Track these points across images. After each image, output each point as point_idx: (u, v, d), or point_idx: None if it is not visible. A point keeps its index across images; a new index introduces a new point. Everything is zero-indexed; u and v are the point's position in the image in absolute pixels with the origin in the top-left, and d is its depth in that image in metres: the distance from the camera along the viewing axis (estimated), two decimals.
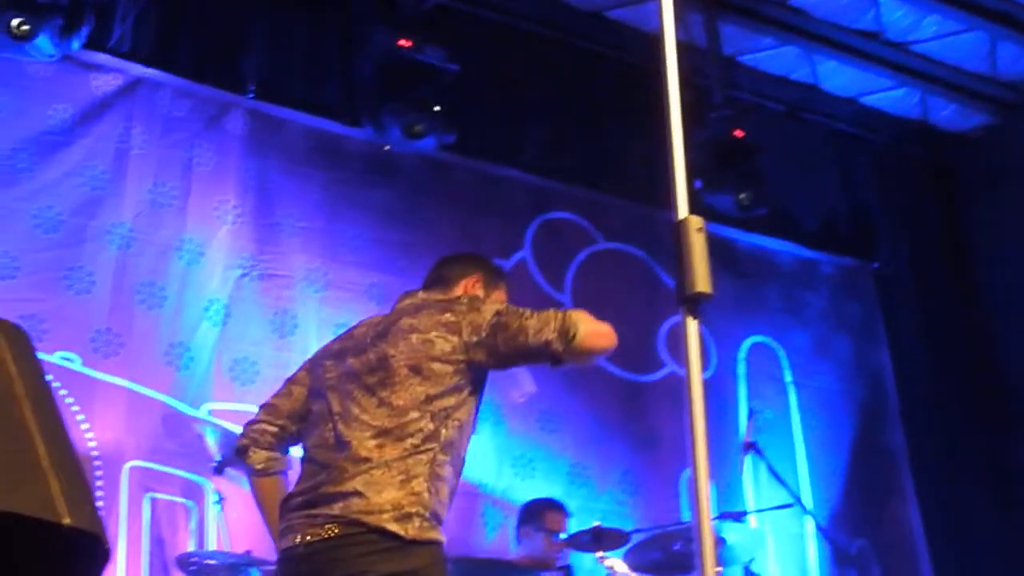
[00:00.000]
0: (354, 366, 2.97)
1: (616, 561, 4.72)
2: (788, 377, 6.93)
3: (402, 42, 5.49)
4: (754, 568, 5.11)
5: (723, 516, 5.03)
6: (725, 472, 5.79)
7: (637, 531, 5.11)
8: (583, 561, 5.29)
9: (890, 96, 7.53)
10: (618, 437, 6.17)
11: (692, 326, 1.87)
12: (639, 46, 6.34)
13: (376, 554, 2.69)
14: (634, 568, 4.77)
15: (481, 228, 6.22)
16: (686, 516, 5.86)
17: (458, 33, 5.95)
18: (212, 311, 5.33)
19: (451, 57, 5.61)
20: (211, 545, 4.88)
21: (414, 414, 2.82)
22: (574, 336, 2.92)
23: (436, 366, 2.86)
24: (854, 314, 7.37)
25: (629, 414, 6.27)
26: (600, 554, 4.72)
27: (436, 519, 2.80)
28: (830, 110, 7.56)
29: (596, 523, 4.81)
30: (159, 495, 4.97)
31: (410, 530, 2.71)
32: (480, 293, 3.19)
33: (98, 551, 1.25)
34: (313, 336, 5.48)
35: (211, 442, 4.52)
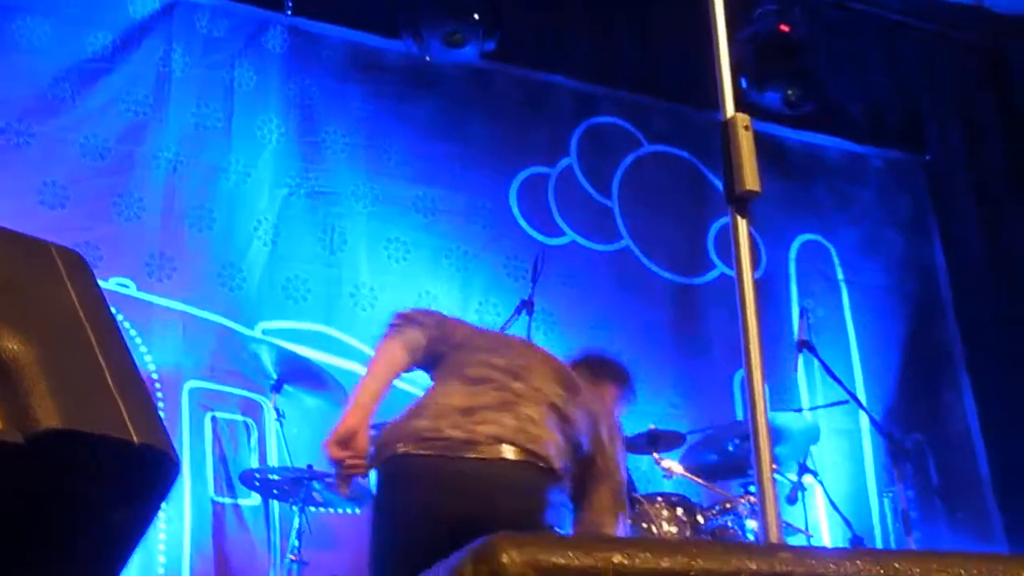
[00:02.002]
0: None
1: (672, 463, 4.76)
2: (839, 274, 6.88)
3: None
4: (810, 464, 5.13)
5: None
6: (778, 372, 5.79)
7: (692, 432, 5.15)
8: (639, 464, 5.35)
9: None
10: (670, 340, 6.18)
11: (742, 225, 1.86)
12: None
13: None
14: (690, 469, 4.81)
15: (526, 136, 6.18)
16: (740, 417, 5.89)
17: None
18: (261, 231, 5.37)
19: None
20: (272, 461, 4.98)
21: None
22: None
23: None
24: (905, 209, 7.26)
25: (680, 316, 6.26)
26: (656, 456, 4.77)
27: None
28: None
29: (651, 426, 4.85)
30: (219, 414, 5.07)
31: None
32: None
33: (168, 465, 1.28)
34: (363, 251, 5.52)
35: (267, 360, 4.59)
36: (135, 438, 1.18)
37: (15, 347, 1.16)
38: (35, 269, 1.28)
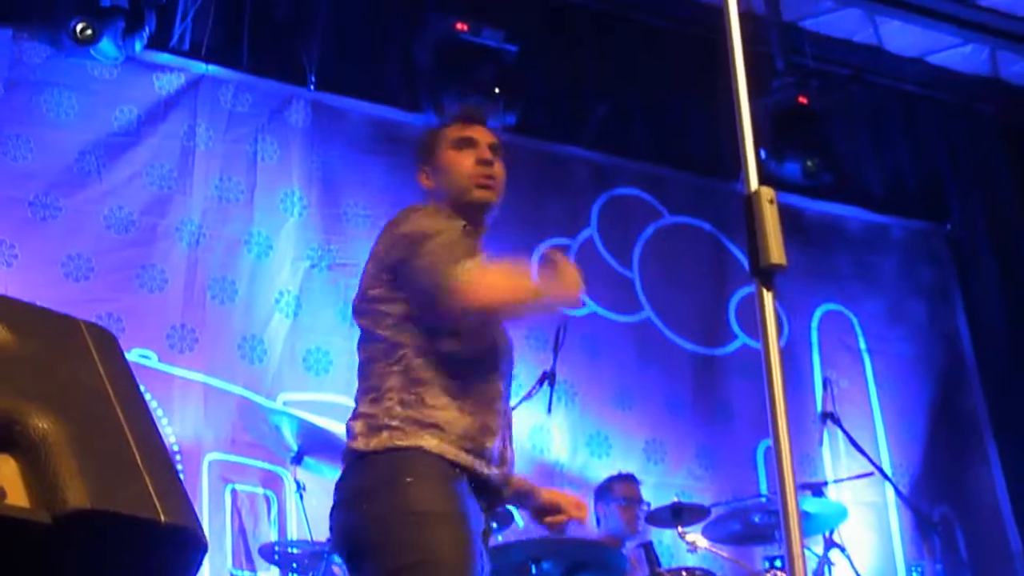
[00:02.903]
0: None
1: (697, 536, 4.70)
2: (862, 344, 6.84)
3: (460, 25, 5.50)
4: (836, 539, 5.06)
5: (803, 487, 4.99)
6: (803, 443, 5.72)
7: (716, 504, 5.09)
8: (664, 537, 5.28)
9: (958, 53, 7.37)
10: (692, 411, 6.14)
11: (768, 298, 1.84)
12: (698, 18, 6.30)
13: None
14: (715, 542, 4.75)
15: (546, 208, 6.20)
16: (764, 488, 5.82)
17: (515, 13, 5.92)
18: (283, 303, 5.39)
19: (509, 38, 5.59)
20: (293, 534, 4.94)
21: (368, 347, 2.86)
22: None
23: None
24: (927, 278, 7.24)
25: (702, 387, 6.23)
26: (680, 530, 4.71)
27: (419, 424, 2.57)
28: (896, 71, 7.42)
29: (675, 499, 4.80)
30: (239, 486, 5.05)
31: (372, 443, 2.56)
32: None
33: (195, 544, 1.27)
34: None
35: (288, 432, 4.57)
36: (163, 517, 1.17)
37: (45, 426, 1.16)
38: (64, 346, 1.29)
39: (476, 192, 2.89)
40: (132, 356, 4.92)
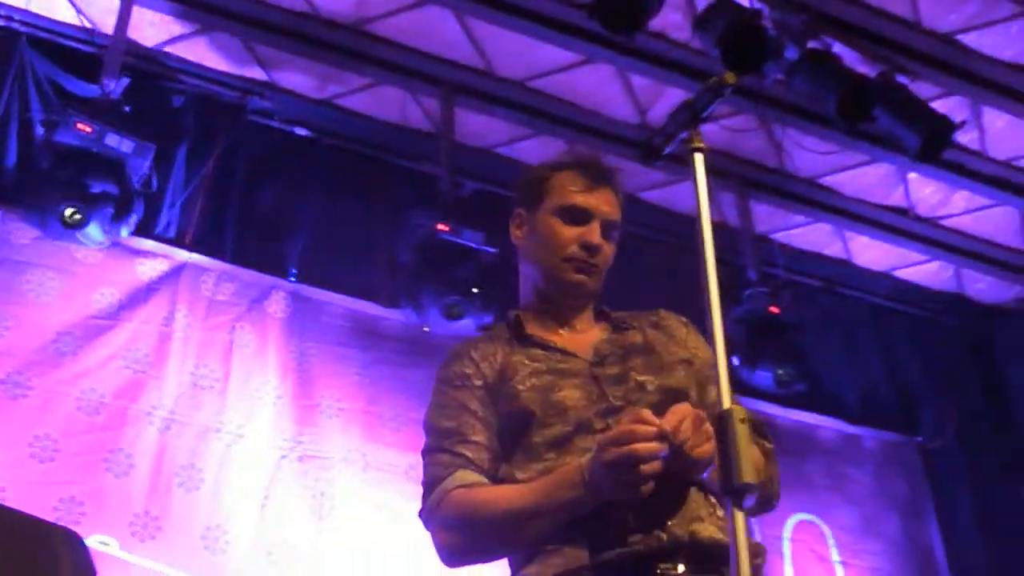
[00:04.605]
0: None
1: None
2: (835, 556, 6.76)
3: (441, 226, 5.63)
4: None
5: None
6: None
7: None
8: None
9: (924, 270, 7.59)
10: None
11: (739, 518, 1.84)
12: (668, 227, 6.51)
13: None
14: None
15: None
16: None
17: (496, 216, 6.07)
18: (251, 493, 5.30)
19: (488, 240, 5.73)
20: None
21: None
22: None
23: None
24: (901, 490, 7.23)
25: None
26: None
27: None
28: (865, 284, 7.63)
29: None
30: None
31: None
32: None
33: None
34: (353, 518, 5.43)
35: None
36: None
37: None
38: (35, 551, 1.27)
39: (569, 275, 2.50)
40: (91, 542, 4.80)
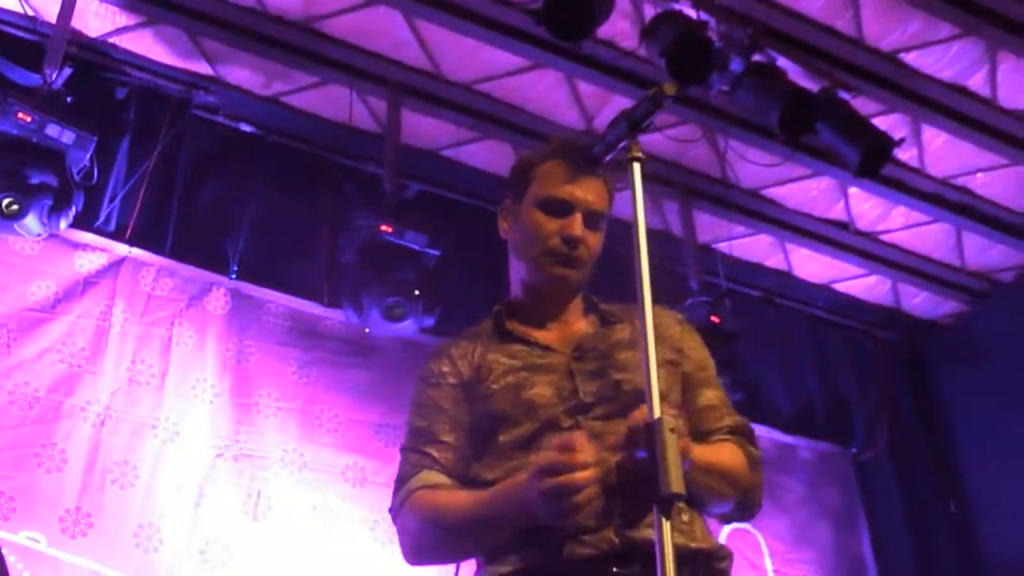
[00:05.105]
0: None
1: None
2: (768, 564, 6.83)
3: (384, 227, 5.61)
4: None
5: None
6: None
7: None
8: None
9: (862, 283, 7.70)
10: None
11: (666, 528, 1.86)
12: (611, 231, 6.52)
13: None
14: None
15: None
16: None
17: (439, 218, 6.08)
18: (185, 491, 5.25)
19: (432, 242, 5.72)
20: None
21: None
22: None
23: None
24: (833, 500, 7.33)
25: None
26: None
27: None
28: (805, 296, 7.72)
29: None
30: None
31: None
32: None
33: None
34: (288, 519, 5.40)
35: None
36: None
37: None
38: None
39: (551, 268, 2.48)
40: (20, 539, 4.74)
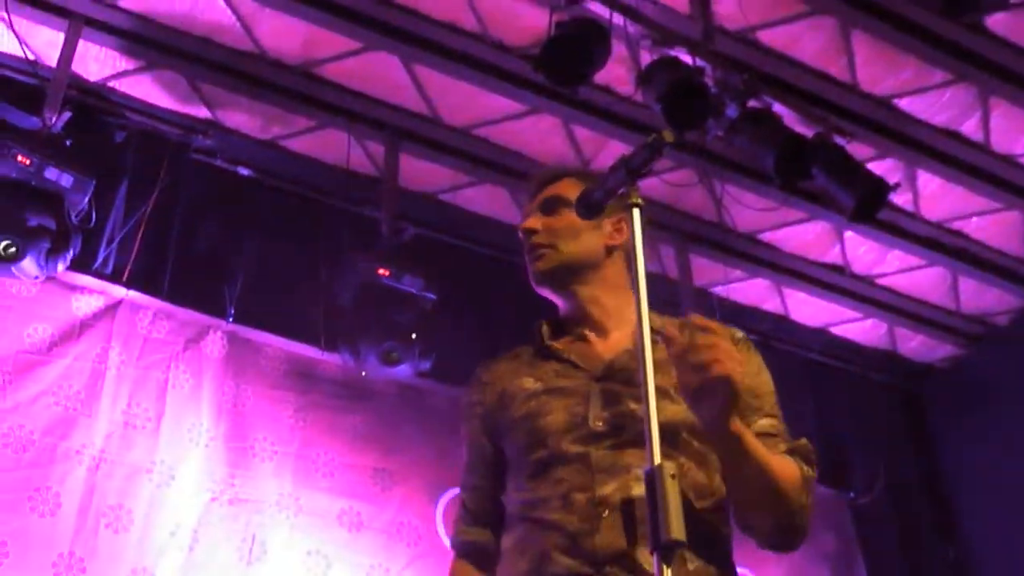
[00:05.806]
0: None
1: None
2: None
3: (381, 271, 5.62)
4: None
5: None
6: None
7: None
8: None
9: (858, 327, 7.71)
10: None
11: (667, 573, 1.85)
12: None
13: None
14: None
15: (455, 453, 6.15)
16: None
17: (436, 262, 6.09)
18: (179, 535, 5.21)
19: (429, 286, 5.73)
20: None
21: None
22: None
23: None
24: (831, 545, 7.28)
25: None
26: None
27: None
28: (801, 340, 7.72)
29: None
30: None
31: None
32: None
33: None
34: (283, 563, 5.36)
35: None
36: None
37: None
38: None
39: (530, 269, 2.52)
40: None
